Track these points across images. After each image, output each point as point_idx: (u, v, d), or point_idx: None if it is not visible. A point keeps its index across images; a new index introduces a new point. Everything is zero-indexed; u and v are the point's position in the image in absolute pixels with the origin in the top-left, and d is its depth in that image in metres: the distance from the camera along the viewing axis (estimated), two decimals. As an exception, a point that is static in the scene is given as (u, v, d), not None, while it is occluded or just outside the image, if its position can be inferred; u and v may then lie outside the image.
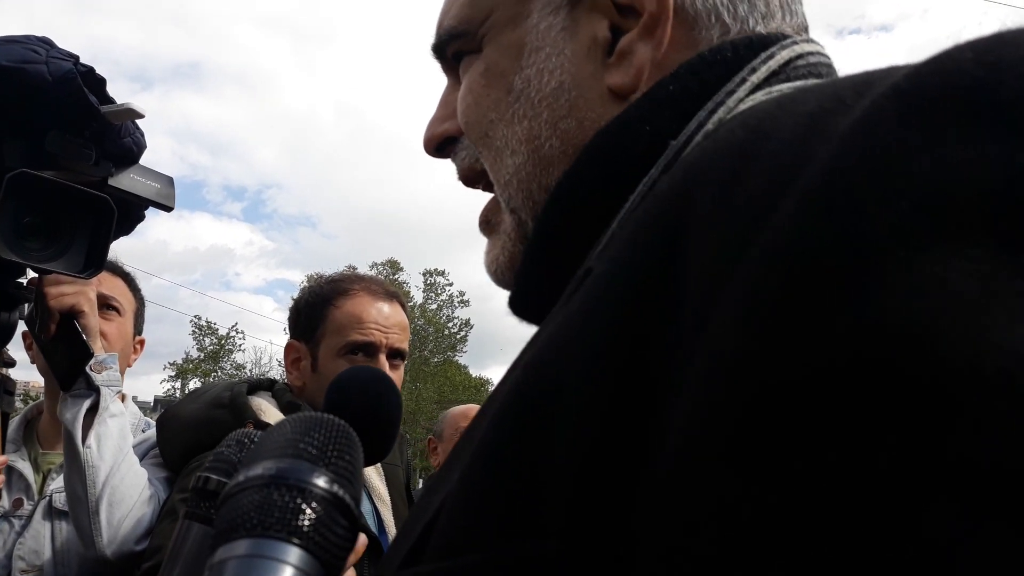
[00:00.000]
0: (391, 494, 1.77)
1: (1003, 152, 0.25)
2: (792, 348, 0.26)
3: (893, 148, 0.27)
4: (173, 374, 33.04)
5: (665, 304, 0.32)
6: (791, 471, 0.25)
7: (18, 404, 1.45)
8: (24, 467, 1.74)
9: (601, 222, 0.49)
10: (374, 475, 1.77)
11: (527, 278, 0.57)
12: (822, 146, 0.30)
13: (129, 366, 1.89)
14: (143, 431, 1.88)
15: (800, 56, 0.51)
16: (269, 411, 1.65)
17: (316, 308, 1.73)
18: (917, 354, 0.24)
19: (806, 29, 0.59)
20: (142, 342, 1.95)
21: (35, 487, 1.74)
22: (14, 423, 1.83)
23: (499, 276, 0.61)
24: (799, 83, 0.48)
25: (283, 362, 1.79)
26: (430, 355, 35.28)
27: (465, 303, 36.81)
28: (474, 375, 39.94)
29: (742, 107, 0.46)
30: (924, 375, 0.23)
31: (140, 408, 1.99)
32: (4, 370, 1.41)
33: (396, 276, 34.16)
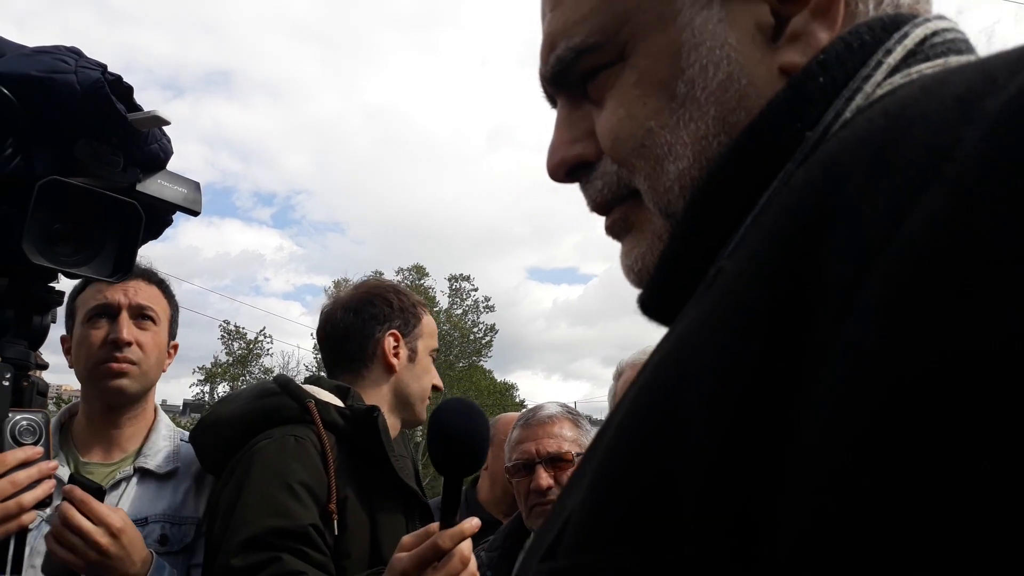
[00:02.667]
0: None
1: None
2: (930, 345, 0.26)
3: None
4: (202, 378, 33.39)
5: (802, 305, 0.31)
6: (931, 469, 0.25)
7: (51, 407, 1.47)
8: (63, 473, 1.72)
9: (736, 219, 0.48)
10: None
11: (661, 278, 0.56)
12: (971, 130, 0.28)
13: (164, 371, 1.93)
14: (180, 440, 1.91)
15: (936, 33, 0.49)
16: (322, 393, 1.74)
17: (411, 309, 1.93)
18: None
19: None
20: (176, 347, 1.98)
21: None
22: (50, 427, 1.85)
23: (642, 274, 0.59)
24: (938, 61, 0.47)
25: (386, 346, 1.91)
26: (455, 360, 35.37)
27: (490, 308, 36.89)
28: (499, 380, 39.98)
29: (880, 91, 0.45)
30: None
31: (169, 412, 2.02)
32: (37, 372, 1.44)
33: (422, 281, 34.30)
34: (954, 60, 0.47)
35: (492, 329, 36.67)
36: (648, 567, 0.33)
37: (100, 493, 1.47)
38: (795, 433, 0.29)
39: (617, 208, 0.61)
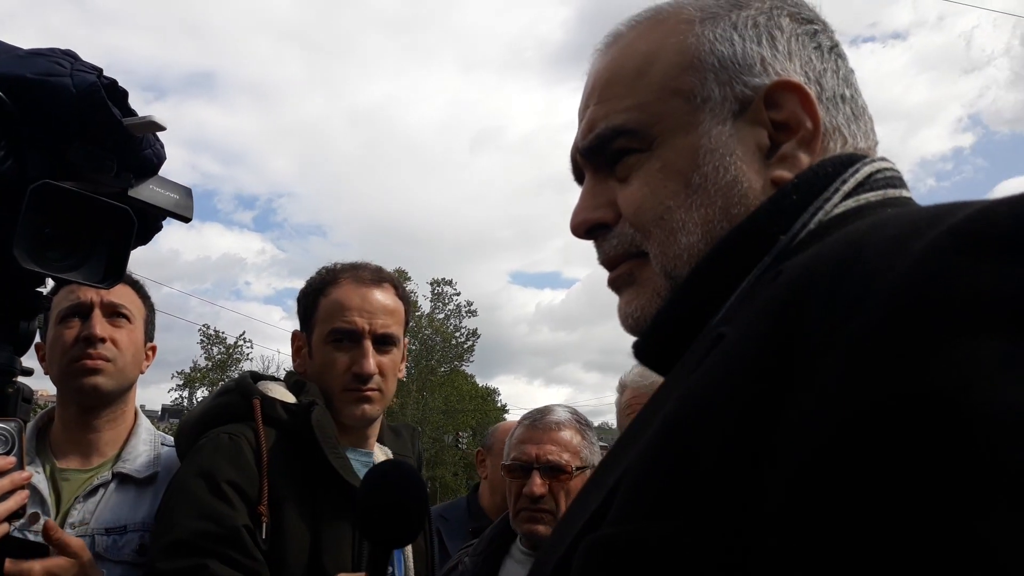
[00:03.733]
0: None
1: (1017, 274, 0.39)
2: (871, 397, 0.40)
3: (946, 268, 0.42)
4: (181, 383, 33.10)
5: (785, 365, 0.46)
6: (865, 476, 0.39)
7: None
8: (39, 480, 1.69)
9: (721, 295, 0.65)
10: (383, 459, 1.80)
11: (659, 330, 0.72)
12: (900, 261, 0.44)
13: (142, 372, 1.88)
14: (161, 444, 1.87)
15: (879, 171, 0.68)
16: (276, 389, 1.69)
17: (310, 298, 1.79)
18: (951, 407, 0.38)
19: (877, 146, 0.78)
20: (154, 348, 1.94)
21: (51, 501, 1.68)
22: (27, 432, 1.80)
23: (640, 322, 0.75)
24: (879, 191, 0.67)
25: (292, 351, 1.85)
26: (437, 364, 35.26)
27: (472, 313, 36.84)
28: (481, 384, 39.92)
29: (836, 210, 0.65)
30: (954, 423, 0.37)
31: (148, 417, 1.97)
32: (21, 379, 1.41)
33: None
34: (891, 192, 0.67)
35: (474, 334, 36.63)
36: (678, 534, 0.47)
37: (43, 551, 1.43)
38: (776, 443, 0.44)
39: (624, 264, 0.76)
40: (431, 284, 36.48)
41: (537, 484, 1.85)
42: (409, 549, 1.74)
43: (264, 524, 1.49)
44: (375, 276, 1.80)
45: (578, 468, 1.89)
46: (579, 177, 0.81)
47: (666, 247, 0.72)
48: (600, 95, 0.77)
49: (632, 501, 0.52)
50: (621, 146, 0.74)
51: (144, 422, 1.89)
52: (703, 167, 0.71)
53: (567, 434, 1.93)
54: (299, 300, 1.83)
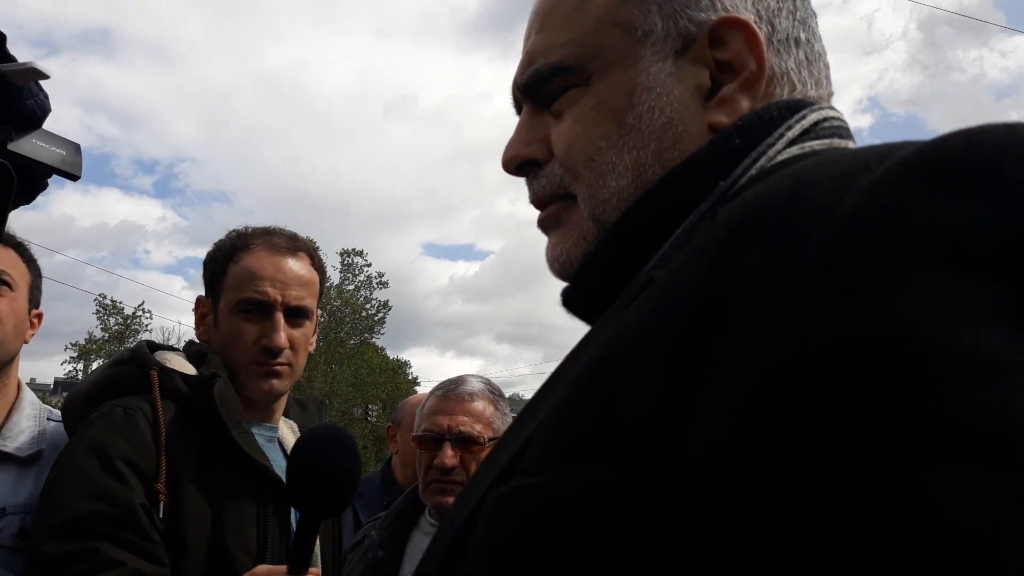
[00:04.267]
0: None
1: (973, 209, 0.37)
2: (812, 337, 0.37)
3: (898, 201, 0.40)
4: (75, 355, 31.69)
5: (720, 308, 0.43)
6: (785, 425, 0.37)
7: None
8: None
9: (654, 242, 0.61)
10: (292, 439, 1.74)
11: (587, 278, 0.68)
12: (849, 196, 0.41)
13: (26, 342, 1.74)
14: (47, 419, 1.74)
15: (825, 119, 0.65)
16: (175, 359, 1.59)
17: (218, 263, 1.68)
18: (899, 348, 0.35)
19: (832, 95, 0.73)
20: (40, 316, 1.78)
21: None
22: None
23: (566, 267, 0.71)
24: (825, 140, 0.63)
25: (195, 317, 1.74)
26: (346, 337, 34.82)
27: (384, 284, 36.48)
28: (392, 357, 39.71)
29: (779, 157, 0.61)
30: (901, 365, 0.35)
31: (39, 391, 1.85)
32: None
33: (312, 256, 33.50)
34: (837, 141, 0.64)
35: (385, 306, 36.32)
36: (573, 483, 0.45)
37: None
38: (706, 384, 0.41)
39: (552, 205, 0.73)
40: (341, 254, 35.91)
41: (448, 455, 1.82)
42: None
43: (162, 503, 1.40)
44: (290, 244, 1.70)
45: (490, 439, 1.87)
46: (519, 109, 0.78)
47: (595, 190, 0.68)
48: (541, 24, 0.73)
49: (547, 451, 0.49)
50: (560, 84, 0.71)
51: (28, 395, 1.75)
52: (638, 107, 0.67)
53: (480, 405, 1.90)
54: (206, 264, 1.72)
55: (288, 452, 1.68)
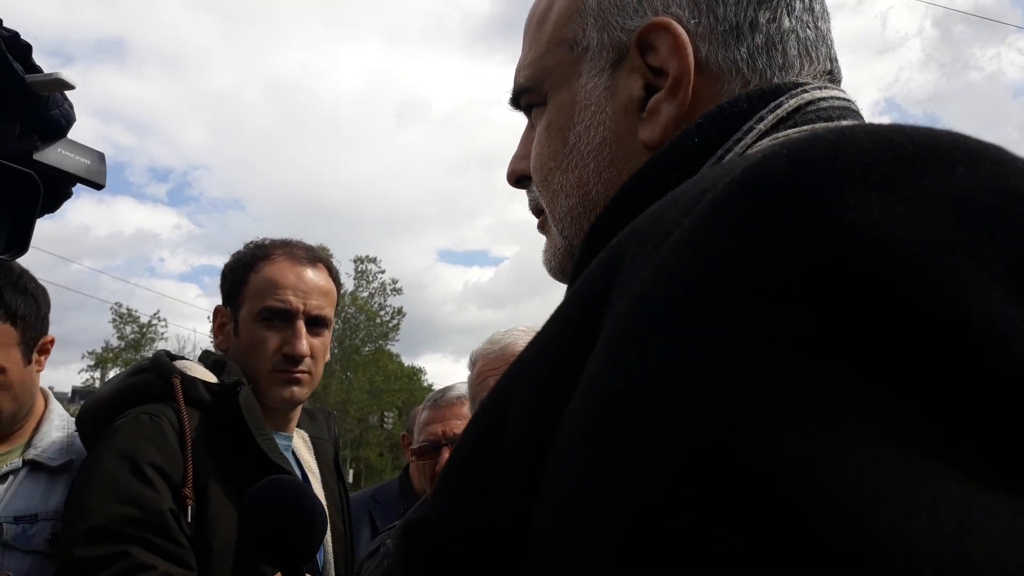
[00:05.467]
0: (320, 466, 1.78)
1: (778, 231, 0.33)
2: (627, 370, 0.34)
3: (717, 225, 0.36)
4: (92, 363, 31.91)
5: (588, 340, 0.39)
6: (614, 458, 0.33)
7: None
8: None
9: None
10: (303, 448, 1.77)
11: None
12: (687, 219, 0.38)
13: (41, 369, 1.74)
14: (75, 430, 1.73)
15: (810, 103, 0.57)
16: (195, 368, 1.60)
17: (239, 272, 1.70)
18: (666, 394, 0.32)
19: (830, 72, 0.65)
20: (50, 342, 1.76)
21: None
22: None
23: (553, 274, 0.73)
24: (806, 127, 0.55)
25: (214, 327, 1.76)
26: (361, 344, 34.88)
27: (397, 291, 36.54)
28: (407, 364, 39.76)
29: (750, 152, 0.53)
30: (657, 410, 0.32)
31: (58, 399, 1.86)
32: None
33: (327, 263, 33.61)
34: (820, 127, 0.55)
35: (399, 312, 36.36)
36: (466, 519, 0.42)
37: None
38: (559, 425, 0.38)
39: (540, 216, 0.75)
40: (354, 261, 36.02)
41: None
42: (328, 534, 1.69)
43: (189, 508, 1.41)
44: (310, 255, 1.74)
45: None
46: None
47: (552, 209, 0.69)
48: (523, 40, 0.74)
49: (443, 480, 0.47)
50: (526, 102, 0.72)
51: (56, 407, 1.78)
52: (577, 125, 0.65)
53: (469, 407, 1.94)
54: (225, 274, 1.74)
55: (300, 461, 1.72)
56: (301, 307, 1.65)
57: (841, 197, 0.32)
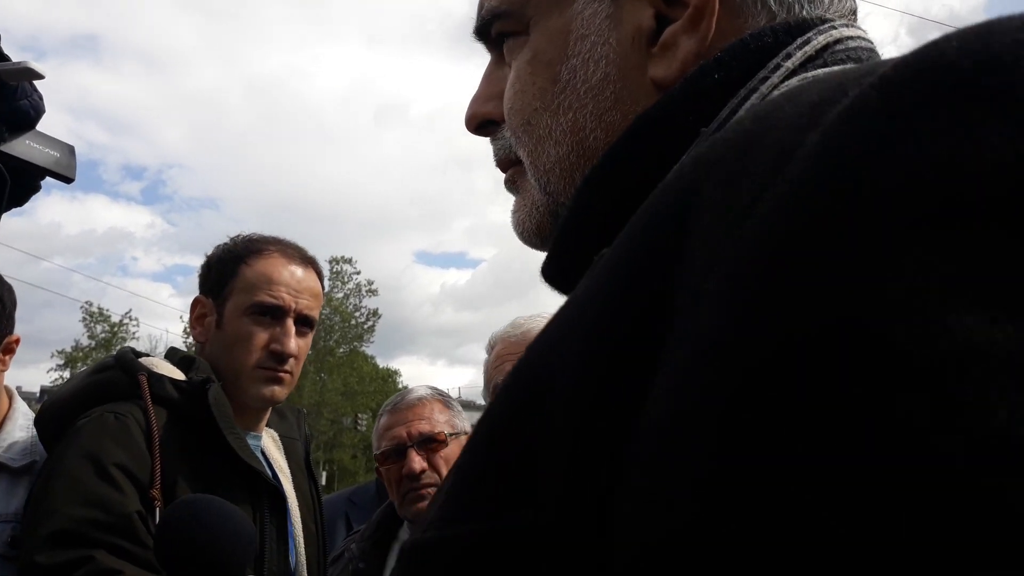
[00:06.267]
0: (290, 466, 1.75)
1: (981, 138, 0.25)
2: (767, 329, 0.27)
3: (873, 137, 0.28)
4: (61, 363, 31.40)
5: (664, 292, 0.32)
6: (769, 450, 0.26)
7: None
8: None
9: (632, 208, 0.47)
10: (273, 448, 1.74)
11: (559, 256, 0.57)
12: (814, 133, 0.30)
13: (5, 368, 1.72)
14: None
15: (839, 41, 0.50)
16: (162, 365, 1.57)
17: (227, 264, 1.67)
18: (881, 338, 0.24)
19: (855, 12, 0.58)
20: (15, 341, 1.74)
21: None
22: None
23: (526, 237, 0.63)
24: (836, 67, 0.47)
25: (191, 317, 1.71)
26: (335, 345, 34.67)
27: (373, 292, 36.36)
28: (381, 366, 39.60)
29: (776, 93, 0.46)
30: (891, 354, 0.24)
31: (25, 399, 1.82)
32: None
33: (302, 264, 33.39)
34: (851, 67, 0.47)
35: (375, 314, 36.18)
36: (497, 536, 0.35)
37: None
38: (645, 418, 0.30)
39: (510, 169, 0.64)
40: (330, 262, 35.72)
41: (415, 461, 1.83)
42: (300, 535, 1.67)
43: (157, 509, 1.37)
44: (302, 255, 1.73)
45: (451, 434, 1.90)
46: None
47: (535, 158, 0.58)
48: None
49: (460, 488, 0.39)
50: (499, 30, 0.61)
51: (21, 406, 1.75)
52: (571, 59, 0.56)
53: (430, 407, 1.94)
54: (211, 264, 1.71)
55: (270, 461, 1.68)
56: (293, 305, 1.64)
57: None
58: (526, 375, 0.39)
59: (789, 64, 0.48)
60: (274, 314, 1.62)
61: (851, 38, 0.51)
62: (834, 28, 0.51)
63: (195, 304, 1.71)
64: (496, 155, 0.65)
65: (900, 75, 0.29)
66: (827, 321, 0.25)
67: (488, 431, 0.39)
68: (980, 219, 0.24)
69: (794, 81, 0.47)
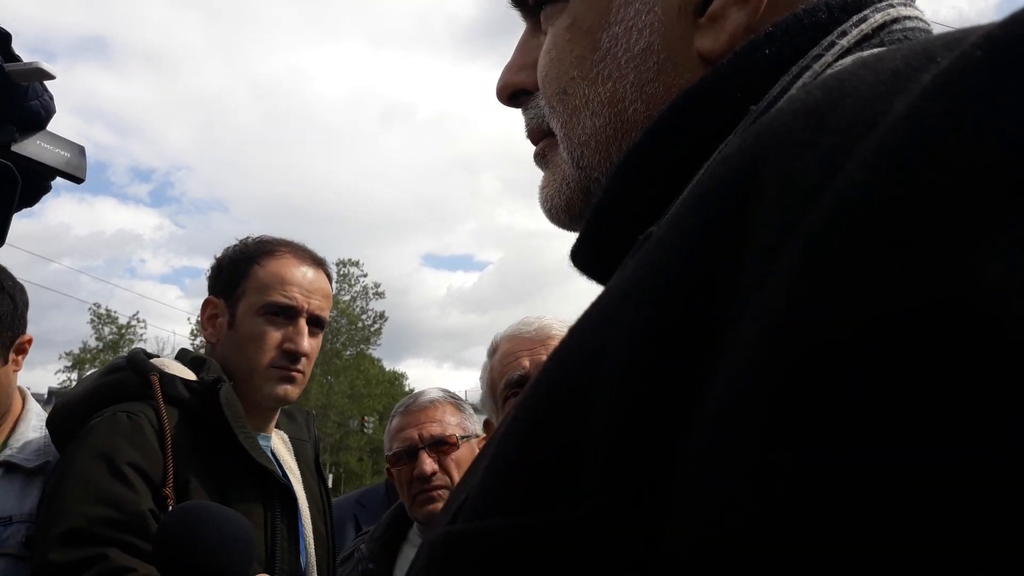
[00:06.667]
0: (300, 467, 1.76)
1: None
2: (844, 309, 0.24)
3: (980, 100, 0.25)
4: (69, 364, 31.58)
5: (725, 272, 0.30)
6: (835, 445, 0.23)
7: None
8: None
9: (675, 187, 0.45)
10: (283, 449, 1.75)
11: (594, 237, 0.53)
12: (901, 99, 0.27)
13: (18, 369, 1.73)
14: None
15: (896, 20, 0.47)
16: (173, 365, 1.58)
17: (240, 265, 1.68)
18: (984, 323, 0.22)
19: None
20: (28, 341, 1.75)
21: None
22: None
23: (553, 215, 0.60)
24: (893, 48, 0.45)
25: (202, 317, 1.71)
26: (342, 348, 34.73)
27: (380, 295, 36.44)
28: (388, 368, 39.65)
29: (829, 72, 0.43)
30: (994, 345, 0.21)
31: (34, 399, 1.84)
32: None
33: (309, 266, 33.53)
34: (934, 36, 0.41)
35: (381, 316, 36.25)
36: (539, 529, 0.32)
37: None
38: (703, 403, 0.28)
39: (542, 140, 0.61)
40: (336, 265, 35.86)
41: (427, 463, 1.84)
42: (311, 535, 1.67)
43: (169, 508, 1.38)
44: (313, 257, 1.74)
45: (463, 437, 1.90)
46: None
47: (570, 129, 0.56)
48: None
49: (493, 483, 0.37)
50: None
51: (34, 407, 1.76)
52: (613, 27, 0.53)
53: (442, 409, 1.94)
54: (222, 265, 1.71)
55: (280, 462, 1.68)
56: (306, 305, 1.65)
57: None
58: (566, 363, 0.37)
59: (844, 42, 0.45)
60: (287, 314, 1.63)
61: (909, 18, 0.48)
62: (891, 7, 0.48)
63: (206, 305, 1.71)
64: (528, 125, 0.62)
65: (1009, 33, 0.26)
66: (924, 300, 0.23)
67: (525, 422, 0.37)
68: None
69: (848, 60, 0.44)
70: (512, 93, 0.63)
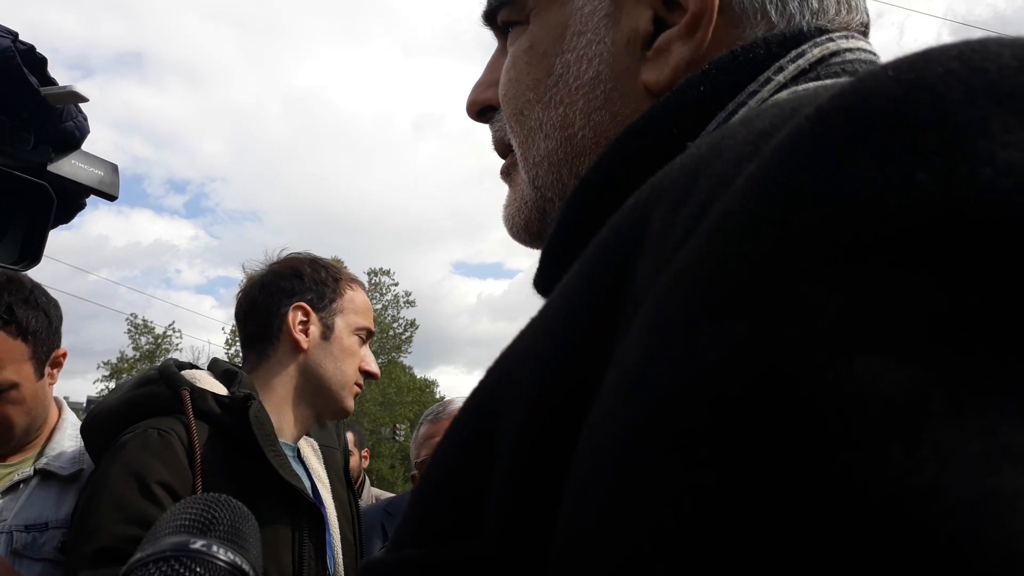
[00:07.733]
0: (329, 475, 1.78)
1: (904, 173, 0.24)
2: (674, 367, 0.26)
3: (797, 174, 0.27)
4: (107, 374, 32.12)
5: (610, 322, 0.32)
6: (679, 489, 0.25)
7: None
8: None
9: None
10: (312, 457, 1.77)
11: (548, 265, 0.55)
12: (750, 165, 0.29)
13: (53, 382, 1.76)
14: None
15: (835, 54, 0.48)
16: (205, 379, 1.59)
17: (332, 282, 1.76)
18: (786, 382, 0.23)
19: (866, 27, 0.56)
20: (62, 355, 1.78)
21: None
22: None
23: (515, 233, 0.62)
24: (829, 81, 0.46)
25: (291, 321, 1.70)
26: (374, 355, 34.96)
27: (411, 303, 36.63)
28: (419, 376, 39.75)
29: (776, 99, 0.44)
30: (798, 401, 0.23)
31: (73, 409, 1.88)
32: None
33: (341, 275, 33.77)
34: (816, 87, 0.46)
35: (412, 324, 36.42)
36: (442, 562, 0.34)
37: None
38: (575, 446, 0.30)
39: (508, 156, 0.63)
40: (368, 274, 36.10)
41: None
42: (338, 545, 1.68)
43: None
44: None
45: None
46: None
47: (525, 149, 0.58)
48: None
49: (416, 512, 0.39)
50: (503, 19, 0.61)
51: (70, 416, 1.80)
52: (566, 53, 0.55)
53: None
54: (310, 275, 1.73)
55: (309, 470, 1.71)
56: None
57: (986, 131, 0.24)
58: (483, 399, 0.38)
59: (780, 78, 0.47)
60: (367, 339, 1.80)
61: (850, 50, 0.49)
62: (831, 40, 0.49)
63: (299, 309, 1.71)
64: (494, 139, 0.64)
65: (834, 106, 0.28)
66: (733, 365, 0.24)
67: (444, 454, 0.38)
68: (890, 256, 0.23)
69: (784, 94, 0.45)
70: (480, 109, 0.65)
